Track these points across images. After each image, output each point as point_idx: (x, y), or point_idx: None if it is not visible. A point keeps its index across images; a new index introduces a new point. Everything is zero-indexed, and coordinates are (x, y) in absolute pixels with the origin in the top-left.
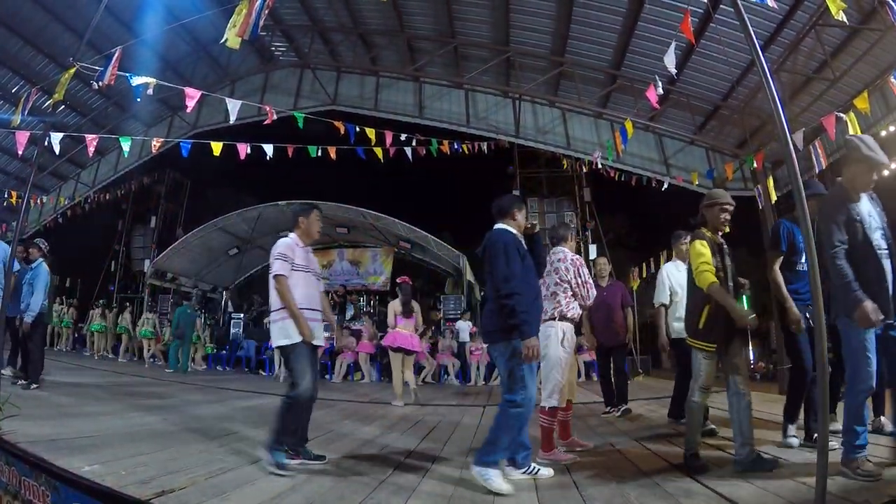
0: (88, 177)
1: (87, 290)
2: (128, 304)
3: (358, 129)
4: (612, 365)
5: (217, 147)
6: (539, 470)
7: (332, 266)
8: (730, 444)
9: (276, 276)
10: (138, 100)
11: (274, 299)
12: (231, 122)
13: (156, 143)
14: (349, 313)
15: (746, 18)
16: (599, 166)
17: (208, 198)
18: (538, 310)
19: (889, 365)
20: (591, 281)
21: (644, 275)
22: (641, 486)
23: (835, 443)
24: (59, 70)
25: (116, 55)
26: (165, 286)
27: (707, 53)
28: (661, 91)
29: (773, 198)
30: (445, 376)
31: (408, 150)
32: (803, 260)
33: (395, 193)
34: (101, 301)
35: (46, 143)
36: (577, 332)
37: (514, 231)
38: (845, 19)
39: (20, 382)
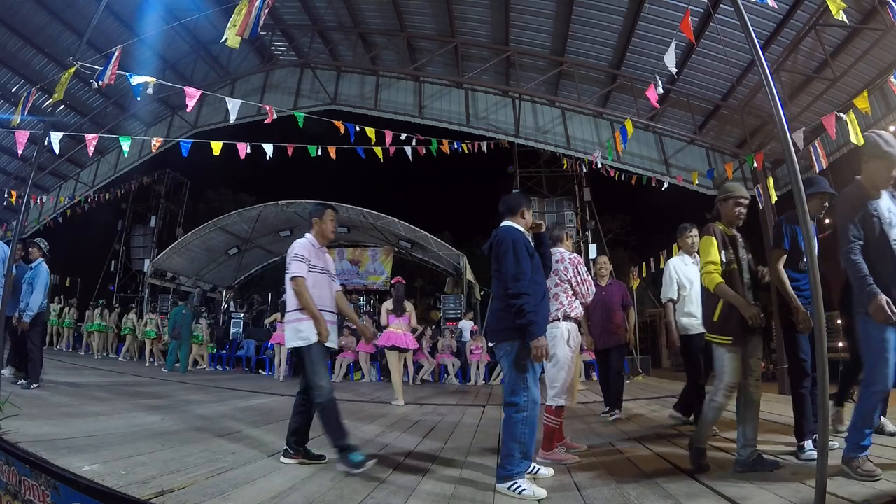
0: (88, 176)
1: (87, 290)
2: (132, 304)
3: (358, 128)
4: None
5: (217, 147)
6: (539, 470)
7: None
8: (731, 444)
9: (293, 278)
10: (138, 99)
11: (290, 300)
12: (231, 121)
13: (156, 143)
14: None
15: (746, 18)
16: (599, 166)
17: (208, 197)
18: (546, 309)
19: None
20: (589, 279)
21: (644, 274)
22: (642, 486)
23: (835, 443)
24: (59, 69)
25: (116, 54)
26: (165, 286)
27: (707, 53)
28: (661, 90)
29: (774, 198)
30: (445, 376)
31: (408, 150)
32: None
33: (394, 193)
34: (101, 301)
35: (46, 143)
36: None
37: (522, 229)
38: (845, 19)
39: (20, 382)
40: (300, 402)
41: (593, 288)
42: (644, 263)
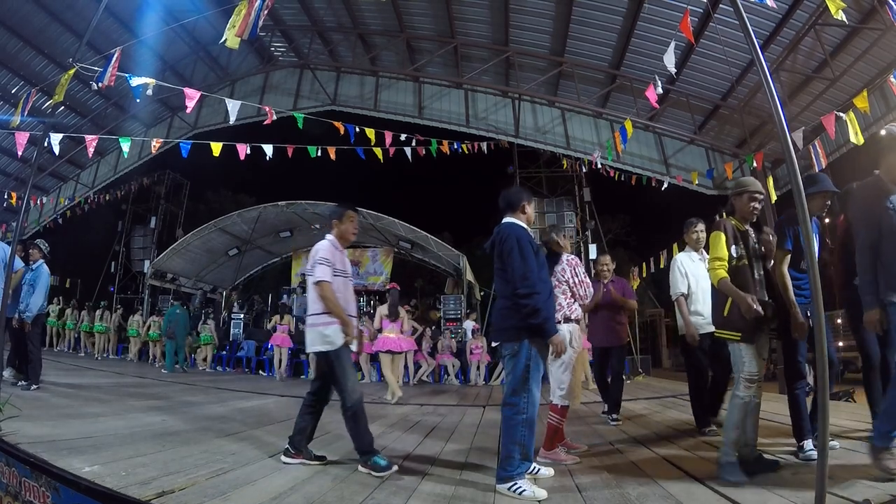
0: (88, 177)
1: (86, 291)
2: (139, 307)
3: (358, 129)
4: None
5: (217, 147)
6: (539, 469)
7: None
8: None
9: (319, 282)
10: (138, 100)
11: (314, 304)
12: (231, 122)
13: (155, 144)
14: None
15: (746, 18)
16: (599, 166)
17: (208, 198)
18: (553, 305)
19: None
20: (587, 280)
21: (644, 274)
22: (642, 487)
23: (835, 443)
24: (59, 71)
25: (116, 56)
26: (165, 287)
27: (707, 53)
28: (660, 90)
29: (773, 197)
30: (445, 376)
31: (407, 151)
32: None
33: (394, 193)
34: (102, 303)
35: (46, 144)
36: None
37: (525, 225)
38: (845, 18)
39: (20, 383)
40: (310, 403)
41: (591, 290)
42: (644, 263)
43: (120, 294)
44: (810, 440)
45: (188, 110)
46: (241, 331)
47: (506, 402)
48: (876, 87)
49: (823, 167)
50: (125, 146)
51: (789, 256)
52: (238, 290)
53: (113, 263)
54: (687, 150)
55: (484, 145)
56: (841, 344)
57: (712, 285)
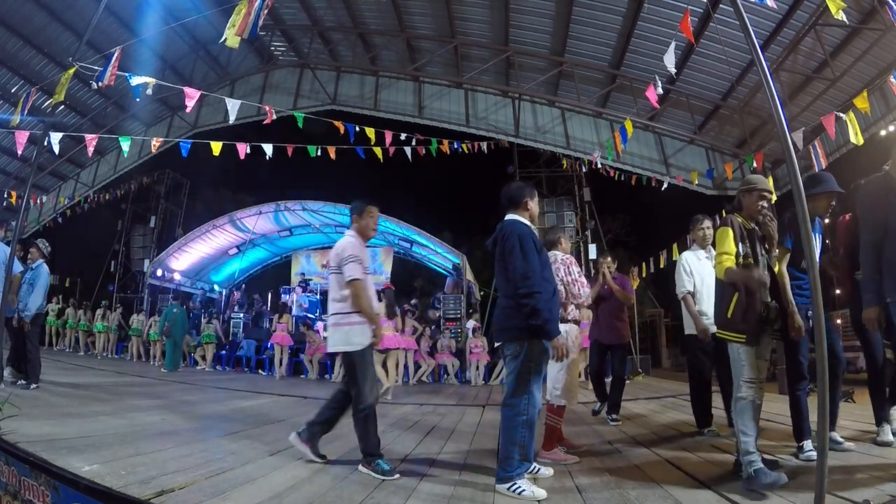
0: (88, 177)
1: (86, 290)
2: (142, 307)
3: (358, 128)
4: (610, 366)
5: (216, 147)
6: (539, 469)
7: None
8: (728, 444)
9: (352, 281)
10: (138, 99)
11: (339, 303)
12: (231, 121)
13: (155, 143)
14: None
15: (746, 18)
16: (599, 166)
17: (207, 197)
18: (557, 306)
19: None
20: (582, 279)
21: (644, 274)
22: (642, 487)
23: (851, 444)
24: (59, 70)
25: (116, 55)
26: (165, 286)
27: (707, 53)
28: (660, 90)
29: (773, 198)
30: (445, 376)
31: (407, 150)
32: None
33: (394, 193)
34: (103, 302)
35: (46, 143)
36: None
37: (528, 222)
38: (845, 19)
39: (20, 382)
40: (339, 399)
41: (586, 289)
42: (644, 263)
43: (119, 293)
44: (810, 440)
45: (188, 110)
46: (241, 330)
47: (506, 403)
48: (876, 88)
49: (823, 167)
50: (125, 145)
51: (789, 255)
52: (238, 289)
53: (113, 262)
54: (687, 150)
55: (484, 145)
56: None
57: (717, 284)
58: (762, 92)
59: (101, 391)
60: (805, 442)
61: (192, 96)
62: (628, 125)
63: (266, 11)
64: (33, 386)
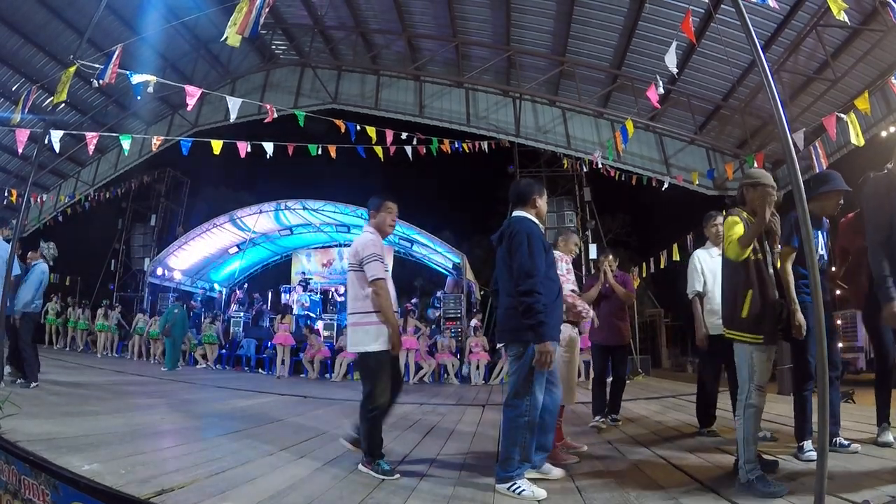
0: (88, 175)
1: (87, 289)
2: (145, 307)
3: (358, 127)
4: (612, 367)
5: (217, 145)
6: (552, 470)
7: (332, 265)
8: (729, 445)
9: (375, 280)
10: (138, 98)
11: (359, 301)
12: (232, 120)
13: (156, 142)
14: None
15: (747, 18)
16: (600, 166)
17: (208, 196)
18: (559, 309)
19: None
20: (571, 276)
21: (644, 274)
22: (642, 487)
23: (857, 445)
24: (60, 68)
25: (117, 53)
26: (165, 285)
27: (708, 53)
28: (661, 90)
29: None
30: (445, 376)
31: (408, 149)
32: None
33: (395, 192)
34: (104, 301)
35: (46, 141)
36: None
37: (536, 220)
38: (846, 19)
39: (19, 381)
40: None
41: (571, 286)
42: (644, 263)
43: (120, 292)
44: (810, 441)
45: (189, 108)
46: (241, 329)
47: (508, 404)
48: (877, 89)
49: (824, 168)
50: (126, 144)
51: (794, 254)
52: (240, 287)
53: (113, 261)
54: (687, 150)
55: (485, 144)
56: (841, 345)
57: (727, 282)
58: (763, 92)
59: (101, 390)
60: (805, 442)
61: (192, 95)
62: (629, 125)
63: (267, 10)
64: (33, 384)
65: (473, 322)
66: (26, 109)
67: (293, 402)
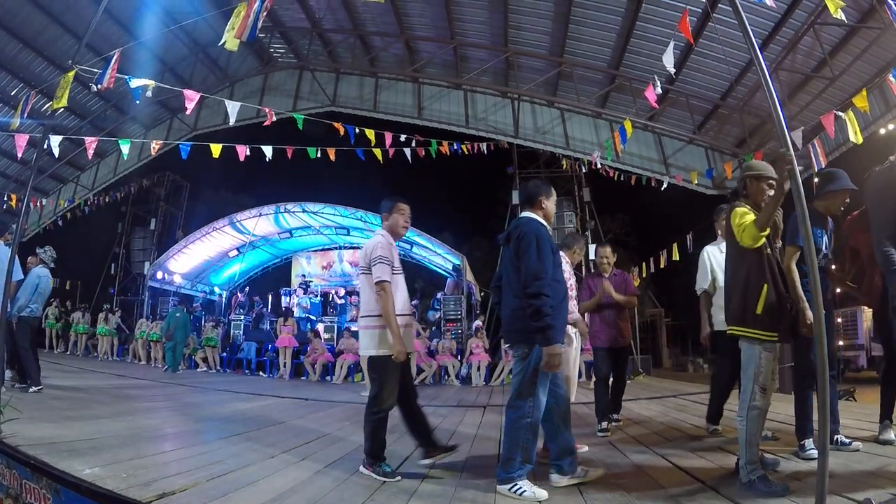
0: (88, 179)
1: (87, 294)
2: (149, 312)
3: (357, 129)
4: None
5: (216, 149)
6: (588, 472)
7: (331, 267)
8: (731, 445)
9: (380, 283)
10: (137, 102)
11: (370, 304)
12: (230, 123)
13: (155, 146)
14: (349, 315)
15: (745, 17)
16: (599, 166)
17: (207, 199)
18: (565, 312)
19: None
20: (571, 282)
21: (644, 274)
22: (643, 488)
23: (858, 444)
24: (58, 72)
25: (115, 57)
26: (165, 289)
27: (706, 52)
28: (659, 90)
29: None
30: (446, 377)
31: (407, 151)
32: (820, 256)
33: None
34: (105, 305)
35: (46, 146)
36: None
37: (543, 221)
38: (844, 18)
39: (18, 385)
40: (404, 411)
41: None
42: (644, 263)
43: (120, 296)
44: (811, 439)
45: (188, 112)
46: (242, 332)
47: (510, 405)
48: (875, 87)
49: (823, 166)
50: (125, 148)
51: (798, 253)
52: (241, 290)
53: (113, 265)
54: (686, 149)
55: (483, 146)
56: (841, 343)
57: (736, 273)
58: (761, 91)
59: (102, 394)
60: (806, 441)
61: (191, 98)
62: (627, 125)
63: (265, 14)
64: (34, 389)
65: (476, 323)
66: (25, 114)
67: (294, 404)
